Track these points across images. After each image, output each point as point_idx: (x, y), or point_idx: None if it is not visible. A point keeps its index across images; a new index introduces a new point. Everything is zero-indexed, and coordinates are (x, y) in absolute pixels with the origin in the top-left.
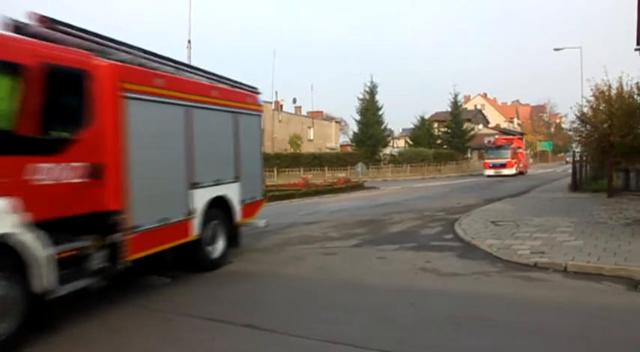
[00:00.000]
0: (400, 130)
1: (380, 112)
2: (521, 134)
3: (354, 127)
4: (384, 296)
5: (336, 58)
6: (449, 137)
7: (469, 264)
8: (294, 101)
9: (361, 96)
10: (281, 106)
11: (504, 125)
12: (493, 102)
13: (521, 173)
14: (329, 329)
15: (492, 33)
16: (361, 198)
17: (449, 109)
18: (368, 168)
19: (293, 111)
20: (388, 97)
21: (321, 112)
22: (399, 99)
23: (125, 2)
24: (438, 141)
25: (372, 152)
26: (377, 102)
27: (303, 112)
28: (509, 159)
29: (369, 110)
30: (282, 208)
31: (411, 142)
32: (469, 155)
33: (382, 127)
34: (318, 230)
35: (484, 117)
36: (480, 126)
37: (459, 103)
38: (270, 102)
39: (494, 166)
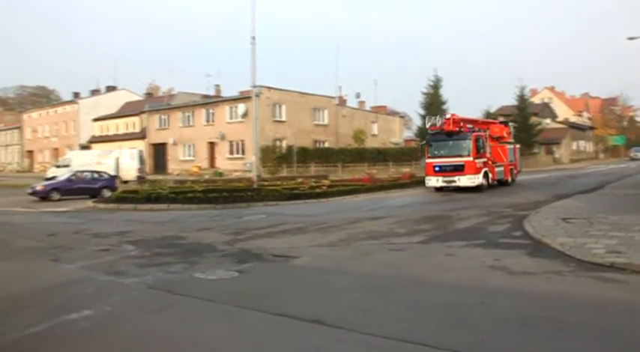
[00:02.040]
0: None
1: (444, 106)
2: (502, 120)
3: (418, 122)
4: (453, 294)
5: (399, 52)
6: (515, 132)
7: (540, 262)
8: (358, 96)
9: (425, 90)
10: (344, 101)
11: (573, 119)
12: (561, 96)
13: (501, 182)
14: (398, 326)
15: (559, 23)
16: (426, 194)
17: (515, 103)
18: None
19: (357, 106)
20: (452, 91)
21: (385, 107)
22: (464, 93)
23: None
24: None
25: None
26: (441, 96)
27: (367, 107)
28: (469, 159)
29: (433, 104)
30: (347, 203)
31: None
32: (536, 150)
33: None
34: (384, 225)
35: (551, 111)
36: (548, 121)
37: (526, 97)
38: (334, 98)
39: (441, 171)
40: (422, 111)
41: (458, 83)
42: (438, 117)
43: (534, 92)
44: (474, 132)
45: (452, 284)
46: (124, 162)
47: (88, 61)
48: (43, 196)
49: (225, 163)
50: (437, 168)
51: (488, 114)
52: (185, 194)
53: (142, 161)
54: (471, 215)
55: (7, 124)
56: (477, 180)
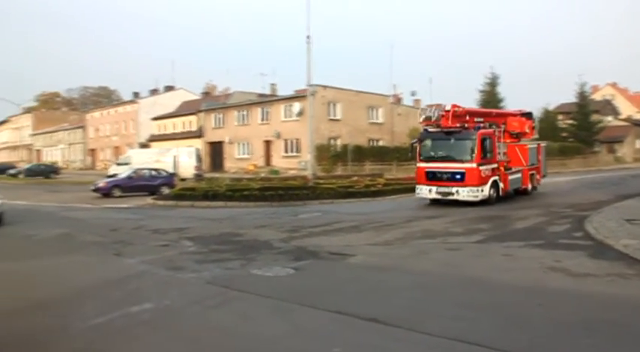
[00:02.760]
0: None
1: (501, 104)
2: (525, 112)
3: None
4: (511, 295)
5: (455, 49)
6: (575, 130)
7: (602, 264)
8: (414, 94)
9: (482, 88)
10: (400, 100)
11: (637, 116)
12: (624, 92)
13: (518, 191)
14: (454, 326)
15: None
16: None
17: (575, 100)
18: None
19: (412, 104)
20: (509, 88)
21: (440, 105)
22: (521, 90)
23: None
24: (563, 134)
25: None
26: (498, 93)
27: (422, 105)
28: (471, 165)
29: (490, 102)
30: (403, 202)
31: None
32: (597, 148)
33: None
34: (440, 224)
35: (614, 108)
36: (610, 118)
37: (586, 94)
38: (389, 96)
39: (435, 178)
40: None
41: (515, 80)
42: (433, 109)
43: (595, 89)
44: (480, 129)
45: (509, 284)
46: (182, 160)
47: (147, 62)
48: (105, 193)
49: (280, 161)
50: (430, 175)
51: (546, 112)
52: (242, 192)
53: (199, 159)
54: (529, 215)
55: (71, 124)
56: (481, 193)
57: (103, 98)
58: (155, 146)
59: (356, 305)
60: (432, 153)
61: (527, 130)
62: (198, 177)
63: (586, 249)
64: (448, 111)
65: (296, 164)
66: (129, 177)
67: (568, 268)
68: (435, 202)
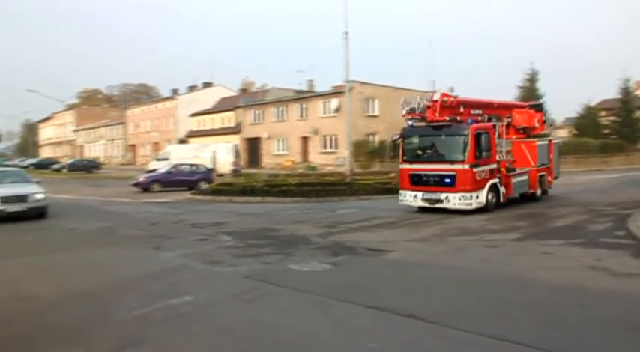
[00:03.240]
0: (563, 119)
1: (541, 100)
2: (533, 103)
3: None
4: (550, 294)
5: (493, 45)
6: (617, 126)
7: None
8: (452, 90)
9: (520, 84)
10: None
11: None
12: None
13: (525, 196)
14: (492, 324)
15: None
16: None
17: (617, 96)
18: None
19: None
20: (549, 84)
21: (428, 94)
22: (561, 86)
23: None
24: (605, 131)
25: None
26: (537, 90)
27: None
28: (463, 166)
29: (530, 99)
30: None
31: (575, 132)
32: None
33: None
34: (477, 221)
35: None
36: None
37: (630, 90)
38: (428, 92)
39: (421, 183)
40: None
41: (556, 76)
42: (418, 99)
43: None
44: (473, 123)
45: (549, 283)
46: (220, 155)
47: (185, 59)
48: (145, 188)
49: (317, 157)
50: (415, 179)
51: (588, 108)
52: (279, 187)
53: (236, 155)
54: (569, 212)
55: (112, 120)
56: (475, 199)
57: (143, 95)
58: (193, 142)
59: (393, 301)
60: (418, 152)
61: (537, 124)
62: (236, 172)
63: (629, 249)
64: (435, 101)
65: (333, 160)
66: (168, 173)
67: (609, 267)
68: (424, 210)
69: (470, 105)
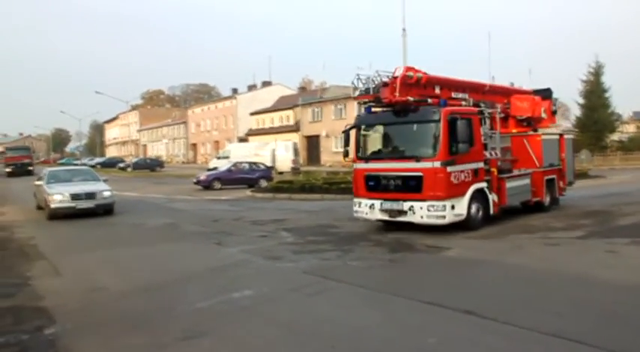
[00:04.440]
0: (630, 114)
1: (606, 95)
2: (538, 89)
3: (576, 111)
4: (614, 293)
5: (555, 38)
6: None
7: None
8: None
9: (584, 78)
10: None
11: None
12: None
13: (528, 205)
14: (553, 322)
15: None
16: (585, 188)
17: None
18: (592, 156)
19: None
20: (615, 77)
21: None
22: (629, 79)
23: None
24: None
25: (597, 138)
26: (603, 83)
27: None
28: (431, 163)
29: (594, 93)
30: None
31: None
32: None
33: (609, 111)
34: (539, 219)
35: None
36: None
37: None
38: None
39: (379, 187)
40: (581, 100)
41: (622, 69)
42: (375, 76)
43: None
44: (446, 105)
45: (612, 282)
46: (279, 153)
47: (245, 59)
48: (206, 185)
49: None
50: (371, 182)
51: None
52: (338, 185)
53: (296, 153)
54: (636, 210)
55: (174, 119)
56: (451, 211)
57: (203, 94)
58: (253, 140)
59: (451, 298)
60: (376, 147)
61: (544, 115)
62: (295, 170)
63: None
64: (395, 77)
65: None
66: (228, 171)
67: None
68: (388, 224)
69: (449, 85)
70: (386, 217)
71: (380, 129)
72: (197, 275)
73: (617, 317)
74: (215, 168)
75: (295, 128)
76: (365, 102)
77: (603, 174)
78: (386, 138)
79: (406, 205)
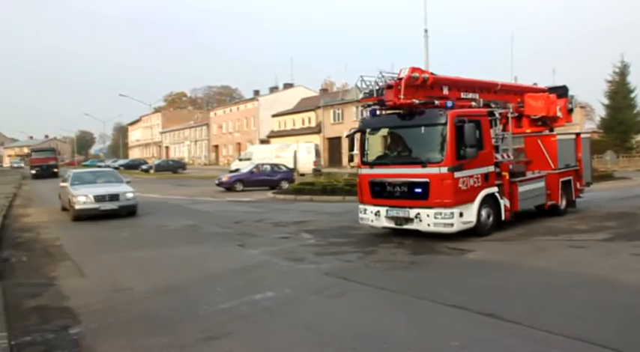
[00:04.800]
0: None
1: (632, 95)
2: (553, 86)
3: (601, 112)
4: (639, 297)
5: (579, 38)
6: None
7: None
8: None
9: (610, 78)
10: None
11: None
12: None
13: (541, 209)
14: (576, 326)
15: None
16: (611, 189)
17: None
18: (618, 157)
19: None
20: None
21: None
22: None
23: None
24: None
25: (622, 139)
26: (628, 83)
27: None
28: (438, 169)
29: (619, 93)
30: None
31: None
32: None
33: (635, 112)
34: (563, 221)
35: None
36: None
37: None
38: None
39: (385, 194)
40: (606, 101)
41: None
42: (380, 78)
43: None
44: (453, 107)
45: (638, 286)
46: (301, 155)
47: (267, 61)
48: (228, 187)
49: None
50: (376, 188)
51: None
52: None
53: (317, 154)
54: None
55: (196, 122)
56: (459, 218)
57: (226, 96)
58: (275, 142)
59: (473, 300)
60: (382, 151)
61: (560, 114)
62: (317, 172)
63: None
64: (399, 79)
65: None
66: (250, 172)
67: None
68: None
69: (457, 85)
70: (392, 225)
71: (385, 133)
72: (219, 276)
73: None
74: (237, 170)
75: (317, 130)
76: (369, 105)
77: (629, 175)
78: (391, 142)
79: (412, 212)
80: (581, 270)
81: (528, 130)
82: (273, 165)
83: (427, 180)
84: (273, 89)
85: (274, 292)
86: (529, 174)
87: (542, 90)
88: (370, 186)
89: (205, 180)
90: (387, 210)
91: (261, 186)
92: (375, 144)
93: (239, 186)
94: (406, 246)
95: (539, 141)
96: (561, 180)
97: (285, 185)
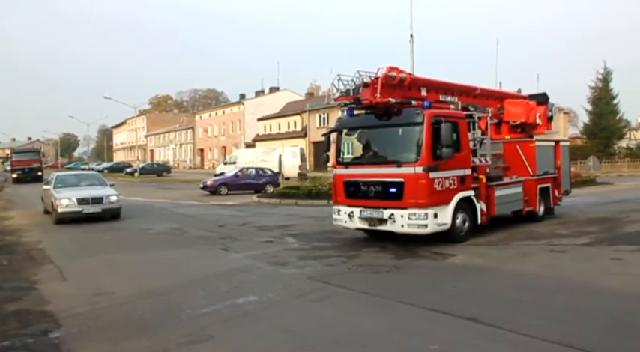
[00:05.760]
0: (639, 120)
1: (615, 101)
2: (534, 93)
3: (584, 118)
4: (620, 301)
5: (563, 44)
6: None
7: None
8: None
9: (592, 84)
10: None
11: None
12: None
13: (519, 214)
14: (557, 330)
15: None
16: (592, 194)
17: None
18: (600, 163)
19: None
20: (624, 84)
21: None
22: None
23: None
24: None
25: (604, 145)
26: (611, 90)
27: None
28: (413, 169)
29: (602, 99)
30: None
31: None
32: None
33: (617, 118)
34: (545, 226)
35: None
36: None
37: None
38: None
39: (359, 194)
40: (589, 107)
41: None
42: (358, 77)
43: None
44: (430, 107)
45: (618, 290)
46: (286, 159)
47: (252, 64)
48: (213, 191)
49: None
50: (351, 189)
51: None
52: None
53: (303, 158)
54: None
55: (181, 125)
56: (433, 220)
57: (211, 100)
58: (260, 146)
59: (455, 304)
60: (358, 151)
61: (539, 121)
62: (302, 176)
63: None
64: (376, 78)
65: None
66: (235, 176)
67: None
68: (370, 233)
69: (436, 87)
70: (366, 226)
71: (361, 132)
72: (202, 280)
73: (623, 325)
74: (222, 174)
75: (302, 134)
76: (345, 105)
77: (611, 180)
78: (367, 142)
79: (386, 213)
80: (561, 275)
81: (508, 136)
82: (258, 169)
83: (402, 180)
84: (259, 93)
85: (257, 296)
86: (506, 180)
87: (522, 97)
88: (345, 187)
89: (190, 184)
90: (360, 211)
91: (245, 189)
92: (351, 144)
93: (224, 190)
94: (389, 250)
95: (517, 148)
96: (539, 186)
97: (270, 189)
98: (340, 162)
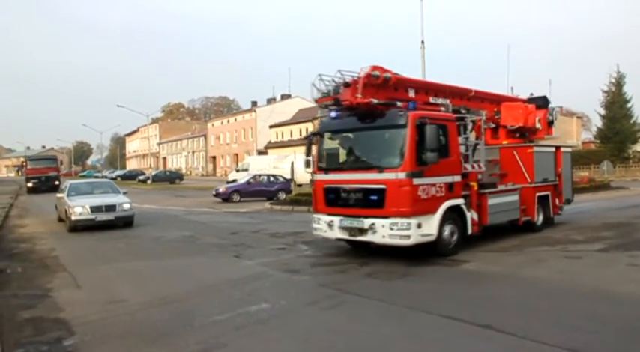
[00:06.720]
0: None
1: (628, 105)
2: (532, 97)
3: (597, 122)
4: (637, 308)
5: (576, 48)
6: None
7: None
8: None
9: (606, 88)
10: None
11: None
12: None
13: (514, 224)
14: (573, 337)
15: None
16: (607, 199)
17: None
18: (614, 167)
19: None
20: (638, 87)
21: (560, 107)
22: None
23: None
24: None
25: (618, 149)
26: (624, 93)
27: None
28: (396, 174)
29: (615, 103)
30: None
31: None
32: None
33: (631, 122)
34: (560, 232)
35: None
36: None
37: None
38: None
39: (339, 202)
40: (602, 111)
41: None
42: (340, 77)
43: None
44: (415, 109)
45: (635, 296)
46: (298, 166)
47: (264, 71)
48: (225, 198)
49: None
50: (331, 196)
51: None
52: None
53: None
54: None
55: (193, 132)
56: (417, 230)
57: (223, 107)
58: (272, 153)
59: (469, 312)
60: (339, 156)
61: (539, 125)
62: None
63: None
64: (357, 78)
65: None
66: (247, 183)
67: None
68: (352, 244)
69: (426, 88)
70: (346, 236)
71: (343, 136)
72: (215, 287)
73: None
74: (234, 181)
75: (315, 141)
76: (326, 106)
77: (625, 185)
78: (348, 146)
79: (367, 223)
80: (577, 281)
81: (505, 141)
82: (270, 176)
83: (383, 186)
84: (271, 100)
85: (270, 303)
86: (501, 187)
87: (520, 100)
88: (324, 194)
89: (202, 191)
90: (340, 220)
91: (258, 196)
92: (332, 148)
93: (236, 197)
94: (401, 256)
95: (515, 153)
96: (538, 194)
97: (282, 196)
98: (320, 168)
